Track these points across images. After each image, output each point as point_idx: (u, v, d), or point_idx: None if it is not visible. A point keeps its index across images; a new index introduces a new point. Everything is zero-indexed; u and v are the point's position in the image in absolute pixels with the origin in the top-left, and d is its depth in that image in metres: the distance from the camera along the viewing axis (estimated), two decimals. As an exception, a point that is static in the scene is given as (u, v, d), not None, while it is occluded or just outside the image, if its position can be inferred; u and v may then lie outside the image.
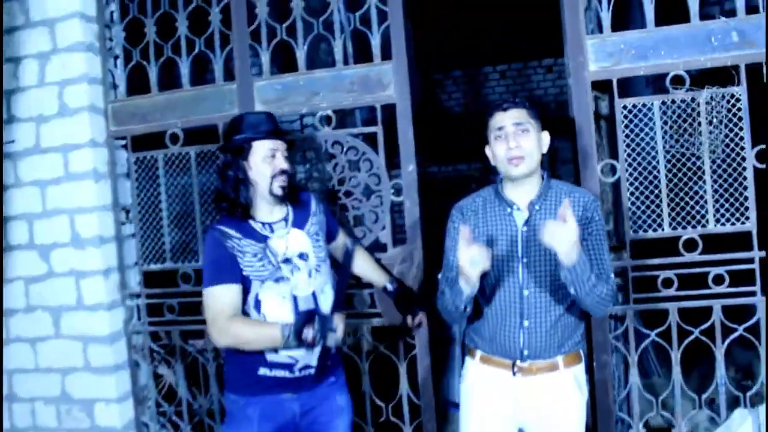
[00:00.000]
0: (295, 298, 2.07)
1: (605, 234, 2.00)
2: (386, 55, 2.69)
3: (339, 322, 2.00)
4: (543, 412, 2.00)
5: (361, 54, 2.82)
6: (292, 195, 2.17)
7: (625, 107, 2.55)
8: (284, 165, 2.10)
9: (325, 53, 3.12)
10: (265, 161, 2.08)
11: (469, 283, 1.84)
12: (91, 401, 2.90)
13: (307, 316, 1.99)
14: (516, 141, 1.93)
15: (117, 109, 2.94)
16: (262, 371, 2.07)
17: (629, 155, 2.55)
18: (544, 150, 2.01)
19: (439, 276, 2.12)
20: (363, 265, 2.45)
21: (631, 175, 2.55)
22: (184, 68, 2.87)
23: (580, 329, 2.06)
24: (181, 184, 2.92)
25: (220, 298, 2.02)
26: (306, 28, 2.76)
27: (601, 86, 2.72)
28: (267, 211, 2.14)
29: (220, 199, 2.13)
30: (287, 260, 2.09)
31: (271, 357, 2.05)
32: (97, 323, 2.87)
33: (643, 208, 2.55)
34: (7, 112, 2.94)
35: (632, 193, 2.55)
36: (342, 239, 2.38)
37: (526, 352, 1.97)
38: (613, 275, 2.00)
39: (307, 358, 2.06)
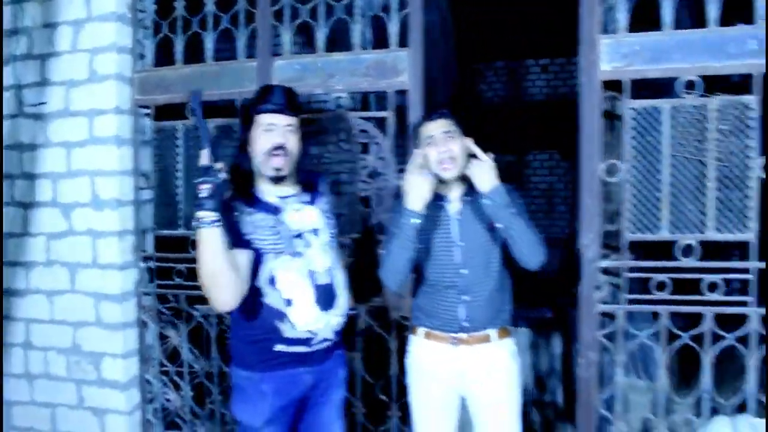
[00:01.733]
0: (312, 274, 2.10)
1: (525, 211, 2.24)
2: (404, 42, 2.75)
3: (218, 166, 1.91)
4: (482, 379, 2.26)
5: (380, 41, 2.87)
6: (300, 178, 2.19)
7: (633, 109, 2.56)
8: (279, 140, 2.07)
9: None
10: (263, 135, 2.08)
11: (416, 207, 2.10)
12: (99, 355, 3.05)
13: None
14: (446, 146, 2.20)
15: (143, 78, 3.06)
16: (279, 347, 2.09)
17: (634, 157, 2.56)
18: (469, 152, 2.25)
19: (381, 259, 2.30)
20: None
21: (634, 176, 2.57)
22: (209, 43, 2.97)
23: (507, 306, 2.33)
24: (198, 155, 3.01)
25: None
26: (328, 10, 2.83)
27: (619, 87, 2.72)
28: (274, 188, 2.14)
29: (231, 171, 2.11)
30: (299, 235, 2.12)
31: (289, 333, 2.07)
32: (110, 282, 3.02)
33: (643, 210, 2.56)
34: (41, 75, 3.08)
35: (634, 195, 2.56)
36: None
37: (466, 324, 2.23)
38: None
39: (326, 332, 2.12)
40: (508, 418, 2.29)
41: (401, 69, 2.73)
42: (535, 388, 4.29)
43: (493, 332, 2.26)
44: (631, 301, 2.57)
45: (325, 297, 2.12)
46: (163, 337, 3.13)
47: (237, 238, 2.02)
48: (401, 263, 2.17)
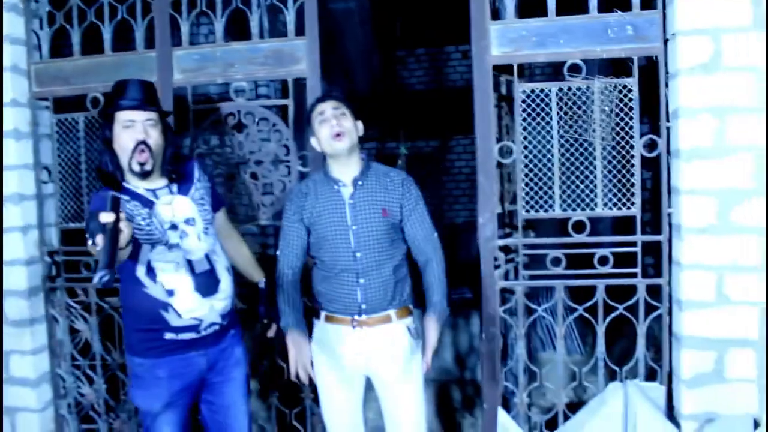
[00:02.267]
0: (189, 262, 2.16)
1: (422, 200, 2.37)
2: (301, 31, 2.78)
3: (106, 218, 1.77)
4: (383, 359, 2.31)
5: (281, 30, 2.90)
6: (168, 169, 2.20)
7: (524, 92, 2.66)
8: (140, 135, 2.08)
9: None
10: (124, 132, 2.09)
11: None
12: (7, 353, 3.00)
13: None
14: (337, 120, 2.25)
15: (40, 70, 3.00)
16: (168, 336, 2.15)
17: (525, 138, 2.67)
18: (360, 134, 2.34)
19: (278, 253, 2.39)
20: (240, 252, 2.52)
21: (526, 157, 2.67)
22: (107, 34, 2.93)
23: (407, 286, 2.38)
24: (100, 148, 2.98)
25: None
26: (225, 1, 2.84)
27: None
28: (142, 183, 2.16)
29: (98, 170, 2.17)
30: (174, 226, 2.15)
31: (175, 322, 2.14)
32: (15, 278, 2.97)
33: (536, 189, 2.67)
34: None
35: (526, 175, 2.67)
36: (222, 217, 2.45)
37: (364, 306, 2.27)
38: (435, 233, 2.40)
39: (212, 317, 2.18)
40: (412, 395, 2.35)
41: (299, 57, 2.76)
42: (456, 367, 4.42)
43: (392, 312, 2.30)
44: (530, 277, 2.69)
45: (206, 284, 2.17)
46: (73, 331, 3.11)
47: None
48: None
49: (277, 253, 2.39)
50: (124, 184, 2.15)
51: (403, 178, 2.37)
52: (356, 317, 2.29)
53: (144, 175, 2.13)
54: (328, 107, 2.28)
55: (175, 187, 2.22)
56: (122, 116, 2.09)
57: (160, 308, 2.13)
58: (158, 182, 2.20)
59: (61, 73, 2.98)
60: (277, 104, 2.85)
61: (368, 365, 2.34)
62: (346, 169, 2.31)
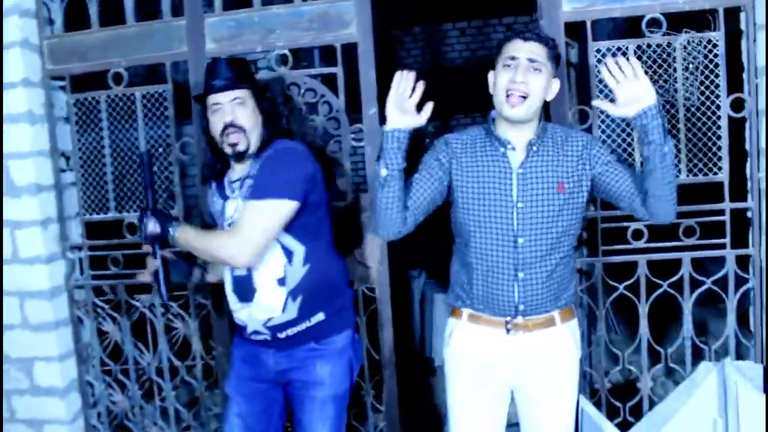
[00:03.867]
0: None
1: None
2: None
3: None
4: (540, 372, 1.89)
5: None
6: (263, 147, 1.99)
7: (598, 50, 2.43)
8: (227, 118, 1.92)
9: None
10: (213, 116, 1.95)
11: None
12: (30, 360, 2.72)
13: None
14: (524, 76, 1.73)
15: (54, 45, 2.69)
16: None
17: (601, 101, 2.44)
18: (549, 98, 1.84)
19: None
20: None
21: (602, 122, 2.45)
22: (128, 1, 2.63)
23: (574, 281, 1.96)
24: (126, 128, 2.71)
25: None
26: (261, -41, 2.56)
27: (570, 33, 2.58)
28: (237, 168, 2.01)
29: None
30: (231, 223, 1.97)
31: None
32: (35, 277, 2.68)
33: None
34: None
35: (604, 141, 2.44)
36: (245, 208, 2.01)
37: (521, 307, 1.83)
38: None
39: (254, 325, 1.97)
40: (565, 418, 1.93)
41: (348, 20, 2.49)
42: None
43: (557, 314, 1.87)
44: (607, 253, 2.48)
45: (240, 289, 1.99)
46: (102, 334, 2.83)
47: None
48: (385, 201, 1.74)
49: None
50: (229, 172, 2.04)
51: (588, 139, 1.86)
52: (511, 320, 1.86)
53: (238, 156, 1.94)
54: (523, 54, 1.74)
55: (246, 179, 1.98)
56: (209, 100, 1.96)
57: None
58: (238, 172, 2.00)
59: (78, 48, 2.67)
60: (323, 72, 2.58)
61: (520, 380, 1.91)
62: (516, 130, 1.82)
